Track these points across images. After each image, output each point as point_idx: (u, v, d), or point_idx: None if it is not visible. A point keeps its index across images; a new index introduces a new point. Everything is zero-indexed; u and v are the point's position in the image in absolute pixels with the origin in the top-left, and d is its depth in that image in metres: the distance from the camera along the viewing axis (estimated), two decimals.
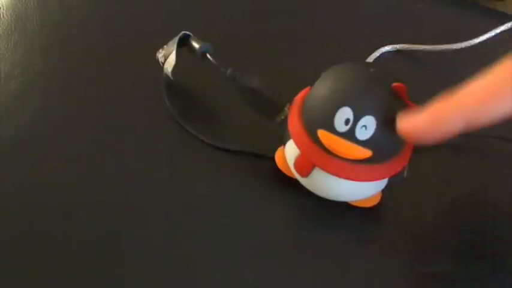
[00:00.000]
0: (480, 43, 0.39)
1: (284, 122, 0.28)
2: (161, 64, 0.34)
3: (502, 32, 0.39)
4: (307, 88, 0.28)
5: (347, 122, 0.25)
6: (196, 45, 0.33)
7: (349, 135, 0.25)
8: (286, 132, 0.28)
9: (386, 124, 0.25)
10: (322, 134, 0.25)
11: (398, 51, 0.40)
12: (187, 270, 0.28)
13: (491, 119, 0.22)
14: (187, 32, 0.34)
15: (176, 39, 0.33)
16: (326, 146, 0.25)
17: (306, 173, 0.27)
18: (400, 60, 0.39)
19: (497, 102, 0.22)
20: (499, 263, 0.29)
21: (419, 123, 0.24)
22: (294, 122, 0.27)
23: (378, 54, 0.39)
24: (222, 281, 0.27)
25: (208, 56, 0.33)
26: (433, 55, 0.39)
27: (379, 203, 0.30)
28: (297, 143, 0.27)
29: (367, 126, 0.24)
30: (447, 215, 0.31)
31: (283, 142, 0.29)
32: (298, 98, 0.28)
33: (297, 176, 0.29)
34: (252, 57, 0.37)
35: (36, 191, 0.30)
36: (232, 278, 0.28)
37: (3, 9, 0.41)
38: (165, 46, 0.34)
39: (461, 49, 0.38)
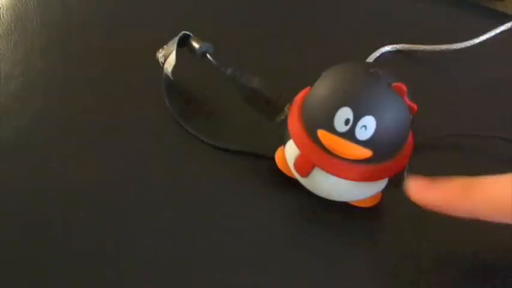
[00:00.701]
0: (480, 43, 0.39)
1: (284, 122, 0.28)
2: (161, 64, 0.34)
3: (502, 32, 0.39)
4: (307, 88, 0.28)
5: (347, 122, 0.25)
6: (196, 45, 0.33)
7: (349, 135, 0.25)
8: (286, 132, 0.28)
9: (387, 124, 0.25)
10: (322, 134, 0.25)
11: (398, 51, 0.40)
12: (187, 270, 0.28)
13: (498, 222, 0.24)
14: (187, 32, 0.34)
15: (176, 39, 0.33)
16: (326, 146, 0.25)
17: (306, 173, 0.27)
18: (400, 60, 0.39)
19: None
20: (500, 262, 0.29)
21: (429, 197, 0.25)
22: (294, 122, 0.27)
23: (378, 54, 0.39)
24: (221, 281, 0.27)
25: (208, 56, 0.33)
26: (433, 55, 0.39)
27: (379, 203, 0.30)
28: (296, 143, 0.27)
29: (367, 127, 0.24)
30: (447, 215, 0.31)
31: (283, 142, 0.29)
32: (298, 98, 0.28)
33: (296, 176, 0.29)
34: (252, 57, 0.37)
35: (36, 191, 0.30)
36: (232, 278, 0.28)
37: (3, 9, 0.41)
38: (165, 46, 0.34)
39: (461, 49, 0.38)
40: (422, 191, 0.25)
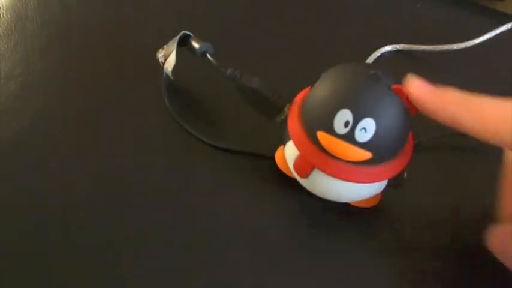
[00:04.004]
0: (480, 43, 0.39)
1: (284, 122, 0.28)
2: (161, 64, 0.34)
3: (502, 32, 0.39)
4: (307, 88, 0.28)
5: (346, 124, 0.24)
6: (196, 45, 0.33)
7: (349, 137, 0.25)
8: (286, 132, 0.28)
9: (386, 126, 0.25)
10: (321, 136, 0.25)
11: (398, 51, 0.40)
12: (187, 270, 0.28)
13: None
14: (187, 32, 0.34)
15: (176, 39, 0.33)
16: (325, 148, 0.25)
17: (305, 174, 0.27)
18: (400, 60, 0.39)
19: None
20: (499, 262, 0.29)
21: (429, 103, 0.24)
22: (293, 123, 0.27)
23: (378, 54, 0.39)
24: (222, 281, 0.28)
25: (208, 56, 0.33)
26: (433, 55, 0.39)
27: (379, 203, 0.30)
28: (296, 145, 0.27)
29: (367, 129, 0.24)
30: (447, 215, 0.31)
31: (283, 142, 0.29)
32: (298, 98, 0.28)
33: (296, 176, 0.29)
34: (252, 57, 0.37)
35: (36, 191, 0.30)
36: (232, 278, 0.28)
37: (3, 9, 0.41)
38: (165, 46, 0.34)
39: (461, 49, 0.38)
40: (423, 94, 0.24)
